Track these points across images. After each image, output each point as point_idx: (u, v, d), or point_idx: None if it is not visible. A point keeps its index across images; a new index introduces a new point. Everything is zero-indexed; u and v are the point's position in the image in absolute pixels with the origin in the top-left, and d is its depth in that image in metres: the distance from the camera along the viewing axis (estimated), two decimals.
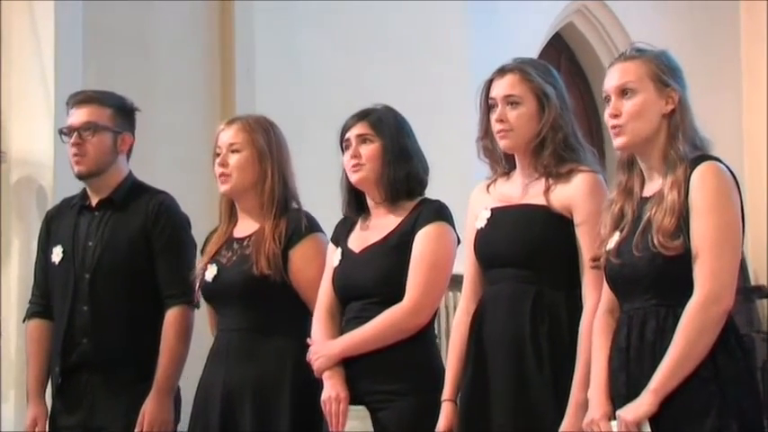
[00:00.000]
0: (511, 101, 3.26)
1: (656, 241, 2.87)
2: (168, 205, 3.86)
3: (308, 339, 3.48)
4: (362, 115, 3.53)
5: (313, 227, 3.63)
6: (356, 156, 3.48)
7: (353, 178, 3.50)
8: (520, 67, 3.29)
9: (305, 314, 3.58)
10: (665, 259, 2.86)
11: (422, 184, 3.52)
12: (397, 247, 3.43)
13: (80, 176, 3.87)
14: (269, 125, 3.70)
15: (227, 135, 3.66)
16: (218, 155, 3.66)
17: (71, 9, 4.93)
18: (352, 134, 3.51)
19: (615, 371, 2.94)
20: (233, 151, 3.64)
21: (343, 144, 3.54)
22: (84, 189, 3.92)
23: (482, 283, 3.32)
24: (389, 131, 3.49)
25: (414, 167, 3.49)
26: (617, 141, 2.98)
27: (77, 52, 4.92)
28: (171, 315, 3.76)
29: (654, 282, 2.89)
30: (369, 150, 3.48)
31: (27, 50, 4.86)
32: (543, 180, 3.24)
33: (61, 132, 3.90)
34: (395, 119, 3.53)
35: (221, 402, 3.55)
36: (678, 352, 2.81)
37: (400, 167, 3.46)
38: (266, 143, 3.64)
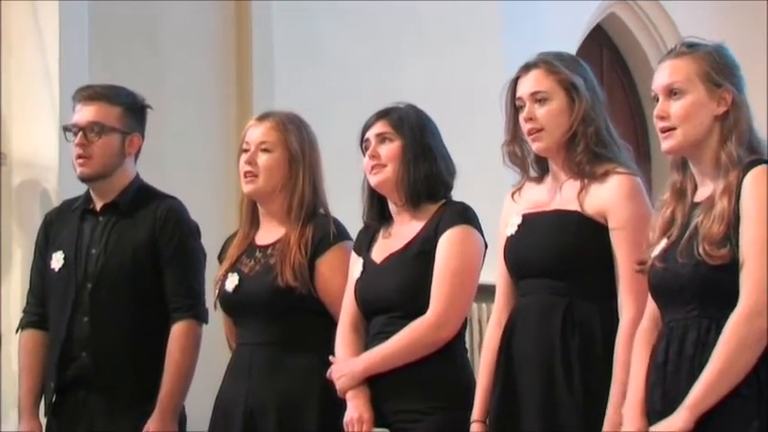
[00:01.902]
0: (538, 97, 3.26)
1: (701, 249, 2.86)
2: (177, 211, 3.86)
3: (331, 357, 3.49)
4: (382, 114, 3.54)
5: (342, 234, 3.63)
6: (375, 156, 3.49)
7: (373, 181, 3.50)
8: (545, 60, 3.29)
9: (333, 328, 3.57)
10: (710, 268, 2.85)
11: (446, 185, 3.51)
12: (419, 255, 3.43)
13: (83, 179, 3.87)
14: (302, 124, 3.70)
15: (258, 132, 3.66)
16: (246, 151, 3.66)
17: (77, 3, 4.95)
18: (371, 134, 3.52)
19: (651, 386, 2.93)
20: (263, 150, 3.64)
21: (363, 145, 3.55)
22: (88, 192, 3.91)
23: (514, 295, 3.33)
24: (410, 129, 3.49)
25: (436, 167, 3.48)
26: (664, 145, 2.97)
27: (83, 48, 4.93)
28: (177, 329, 3.76)
29: (697, 291, 2.88)
30: (388, 150, 3.48)
31: (30, 46, 4.86)
32: (577, 181, 3.24)
33: (65, 129, 3.90)
34: (417, 116, 3.53)
35: (243, 421, 3.56)
36: (717, 367, 2.80)
37: (420, 167, 3.46)
38: (299, 145, 3.64)
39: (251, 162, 3.64)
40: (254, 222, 3.72)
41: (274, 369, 3.55)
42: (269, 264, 3.61)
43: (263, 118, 3.71)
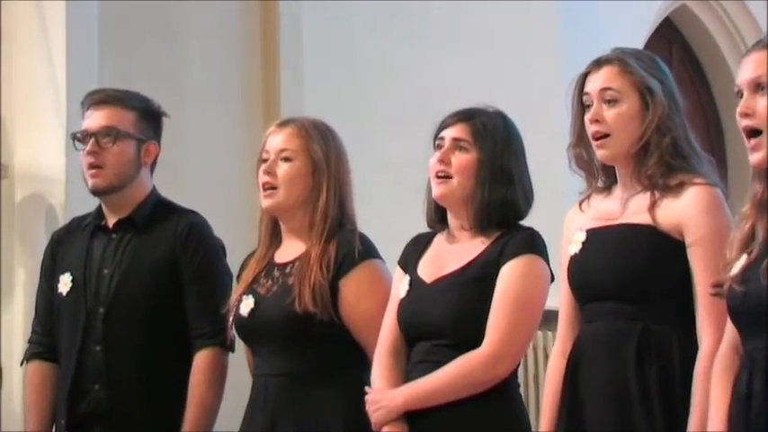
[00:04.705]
0: (608, 97, 3.26)
1: None
2: (199, 228, 3.87)
3: (367, 387, 3.46)
4: (466, 116, 3.49)
5: (369, 252, 3.60)
6: (444, 161, 3.45)
7: (435, 191, 3.47)
8: (619, 58, 3.29)
9: (359, 358, 3.57)
10: None
11: (518, 214, 3.46)
12: (476, 281, 3.40)
13: (95, 191, 3.87)
14: (328, 132, 3.69)
15: (279, 139, 3.66)
16: (265, 161, 3.65)
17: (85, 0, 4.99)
18: (447, 134, 3.47)
19: (735, 422, 2.90)
20: (284, 159, 3.63)
21: (436, 143, 3.50)
22: (100, 207, 3.92)
23: (579, 321, 3.33)
24: (492, 144, 3.44)
25: (513, 194, 3.43)
26: (753, 157, 2.93)
27: (92, 49, 4.96)
28: (201, 358, 3.77)
29: None
30: (461, 161, 3.44)
31: (34, 47, 4.89)
32: (647, 194, 3.23)
33: (74, 138, 3.91)
34: (505, 129, 3.48)
35: None
36: None
37: (497, 190, 3.42)
38: (324, 153, 3.64)
39: (270, 172, 3.63)
40: (273, 240, 3.71)
41: (292, 404, 3.53)
42: (287, 284, 3.59)
43: (284, 124, 3.70)
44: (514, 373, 3.44)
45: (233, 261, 3.91)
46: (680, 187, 3.21)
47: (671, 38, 7.94)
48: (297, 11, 5.73)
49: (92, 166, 3.85)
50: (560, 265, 3.40)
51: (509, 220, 3.44)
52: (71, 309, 3.84)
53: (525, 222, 3.48)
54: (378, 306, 3.55)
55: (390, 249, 3.67)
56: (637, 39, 7.03)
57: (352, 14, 5.98)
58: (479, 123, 3.46)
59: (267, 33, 5.62)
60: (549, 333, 5.67)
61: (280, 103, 5.52)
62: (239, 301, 3.66)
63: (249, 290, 3.66)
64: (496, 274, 3.38)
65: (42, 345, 3.93)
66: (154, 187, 3.96)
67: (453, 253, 3.48)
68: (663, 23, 7.77)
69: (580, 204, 3.38)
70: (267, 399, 3.57)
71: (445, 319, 3.40)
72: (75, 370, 3.79)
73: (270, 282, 3.66)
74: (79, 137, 3.89)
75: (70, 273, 3.87)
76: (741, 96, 2.96)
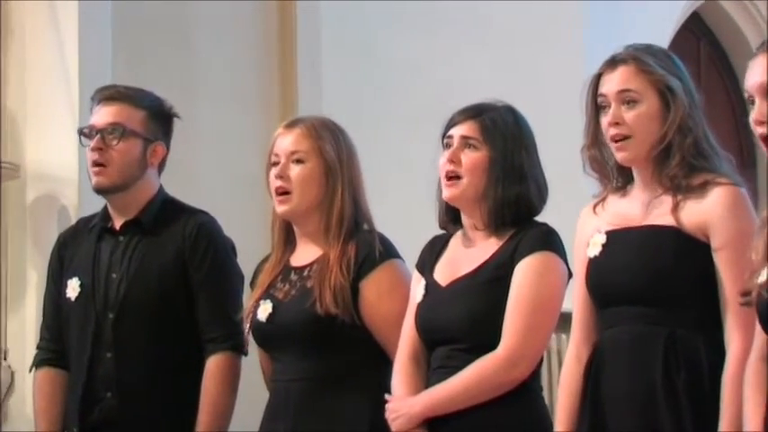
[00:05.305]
0: (627, 98, 3.25)
1: None
2: (208, 228, 3.86)
3: (387, 395, 3.46)
4: (474, 112, 3.49)
5: (389, 252, 3.61)
6: (455, 160, 3.44)
7: (445, 193, 3.46)
8: (635, 57, 3.27)
9: (383, 360, 3.57)
10: None
11: (532, 211, 3.46)
12: (491, 282, 3.41)
13: (99, 190, 3.87)
14: (338, 130, 3.69)
15: (288, 141, 3.65)
16: (275, 164, 3.65)
17: None
18: (456, 133, 3.47)
19: None
20: (295, 161, 3.64)
21: (445, 141, 3.50)
22: (105, 208, 3.92)
23: (597, 325, 3.32)
24: (502, 140, 3.44)
25: (526, 190, 3.43)
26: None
27: (106, 48, 4.97)
28: (213, 363, 3.76)
29: None
30: (470, 159, 3.44)
31: (46, 46, 4.91)
32: (670, 196, 3.22)
33: (81, 133, 3.91)
34: (515, 125, 3.48)
35: None
36: None
37: (510, 187, 3.41)
38: (336, 153, 3.64)
39: (282, 176, 3.62)
40: (288, 244, 3.71)
41: (316, 409, 3.54)
42: (306, 287, 3.60)
43: (292, 125, 3.69)
44: (536, 375, 3.44)
45: (248, 263, 3.90)
46: (704, 187, 3.20)
47: (699, 34, 7.91)
48: (314, 10, 5.73)
49: (95, 164, 3.84)
50: (573, 267, 3.39)
51: (523, 216, 3.44)
52: (80, 314, 3.84)
53: (545, 222, 3.48)
54: (400, 306, 3.55)
55: (408, 249, 3.67)
56: (662, 37, 7.02)
57: (371, 13, 5.99)
58: (488, 120, 3.46)
59: (284, 33, 5.62)
60: (563, 336, 5.67)
61: (297, 103, 5.53)
62: (256, 306, 3.66)
63: (266, 295, 3.66)
64: (511, 274, 3.38)
65: (51, 351, 3.94)
66: (161, 187, 3.95)
67: (468, 254, 3.48)
68: (690, 19, 7.75)
69: (594, 207, 3.36)
70: (288, 404, 3.57)
71: (460, 323, 3.41)
72: (85, 378, 3.80)
73: (287, 286, 3.66)
74: (86, 132, 3.90)
75: (78, 277, 3.87)
76: (753, 102, 2.95)
